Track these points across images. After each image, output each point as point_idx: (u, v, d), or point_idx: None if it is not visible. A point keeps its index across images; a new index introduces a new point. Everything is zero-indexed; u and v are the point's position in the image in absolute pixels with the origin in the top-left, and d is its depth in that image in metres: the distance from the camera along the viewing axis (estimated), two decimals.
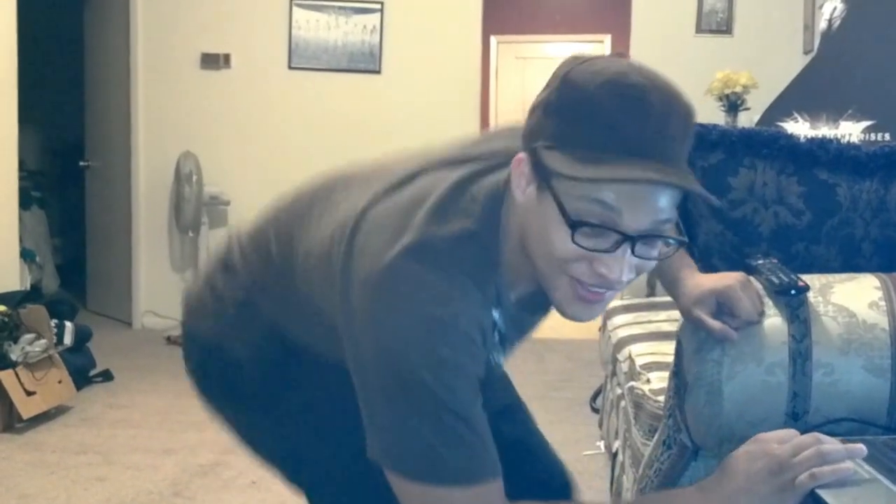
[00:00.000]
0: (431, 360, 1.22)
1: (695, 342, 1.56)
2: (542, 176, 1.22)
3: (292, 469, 1.64)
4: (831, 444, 1.21)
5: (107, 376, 5.02)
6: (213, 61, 6.55)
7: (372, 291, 1.26)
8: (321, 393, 1.53)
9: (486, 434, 1.26)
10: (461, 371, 1.24)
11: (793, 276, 1.54)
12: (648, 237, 1.21)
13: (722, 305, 1.52)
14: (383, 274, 1.26)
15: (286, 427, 1.59)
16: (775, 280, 1.54)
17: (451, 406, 1.22)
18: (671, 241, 1.25)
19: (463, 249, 1.28)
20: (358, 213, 1.36)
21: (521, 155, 1.26)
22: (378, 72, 6.52)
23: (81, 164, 7.12)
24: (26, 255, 5.86)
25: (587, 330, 6.55)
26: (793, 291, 1.53)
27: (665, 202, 1.20)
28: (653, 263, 1.27)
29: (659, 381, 2.25)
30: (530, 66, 10.28)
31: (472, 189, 1.34)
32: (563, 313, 1.31)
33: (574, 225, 1.18)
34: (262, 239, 1.57)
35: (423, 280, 1.25)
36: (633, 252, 1.20)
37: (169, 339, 6.01)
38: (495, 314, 1.33)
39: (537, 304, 1.40)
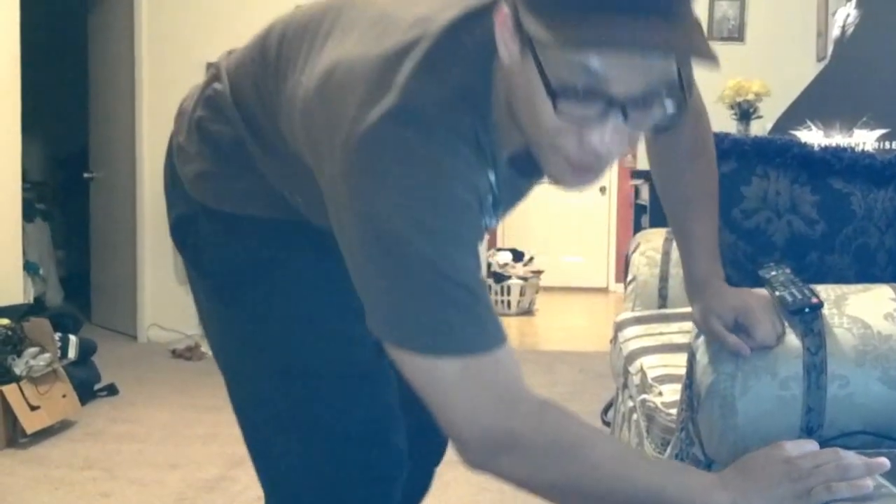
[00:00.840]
0: (425, 230, 1.15)
1: (708, 354, 1.55)
2: (523, 39, 1.10)
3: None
4: (852, 459, 1.18)
5: (111, 390, 5.02)
6: None
7: (356, 158, 1.17)
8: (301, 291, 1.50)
9: (489, 302, 1.20)
10: (459, 240, 1.17)
11: (806, 292, 1.53)
12: (642, 102, 1.09)
13: (740, 324, 1.48)
14: (366, 139, 1.16)
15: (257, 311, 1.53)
16: (789, 298, 1.53)
17: (451, 275, 1.16)
18: (670, 105, 1.12)
19: (455, 109, 1.19)
20: (342, 59, 1.26)
21: (505, 9, 1.13)
22: None
23: (86, 175, 7.14)
24: (30, 267, 5.88)
25: (598, 342, 6.54)
26: (807, 310, 1.52)
27: (660, 60, 1.07)
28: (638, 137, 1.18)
29: (671, 393, 2.25)
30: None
31: (463, 37, 1.22)
32: (558, 185, 1.25)
33: (555, 94, 1.07)
34: (247, 79, 1.49)
35: (412, 146, 1.16)
36: (625, 120, 1.09)
37: (174, 353, 6.01)
38: (491, 176, 1.26)
39: (530, 167, 1.29)
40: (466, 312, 1.17)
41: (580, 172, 1.19)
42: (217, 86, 1.55)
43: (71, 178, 7.96)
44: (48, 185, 8.58)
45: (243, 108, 1.49)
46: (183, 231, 1.59)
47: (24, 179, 5.17)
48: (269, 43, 1.47)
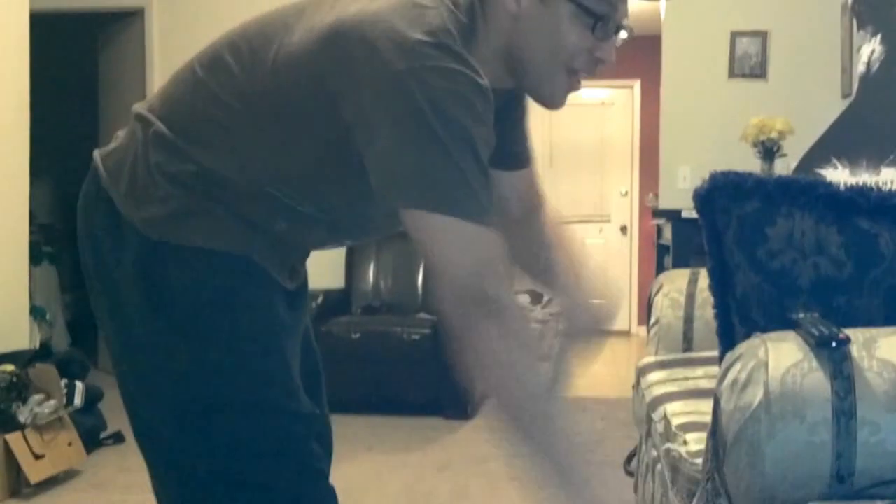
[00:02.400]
0: (469, 112, 1.47)
1: (734, 400, 1.55)
2: None
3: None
4: None
5: (118, 438, 5.02)
6: None
7: (419, 57, 1.45)
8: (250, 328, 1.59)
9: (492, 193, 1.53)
10: (484, 136, 1.50)
11: (834, 329, 1.53)
12: (625, 25, 1.60)
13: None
14: (424, 43, 1.47)
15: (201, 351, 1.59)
16: (815, 332, 1.53)
17: (479, 155, 1.48)
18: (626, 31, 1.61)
19: (452, 27, 1.51)
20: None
21: None
22: None
23: None
24: (36, 312, 5.90)
25: (620, 387, 6.51)
26: (834, 343, 1.52)
27: None
28: None
29: (697, 442, 2.23)
30: (558, 112, 10.29)
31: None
32: (550, 103, 1.69)
33: (598, 18, 1.55)
34: (219, 73, 1.63)
35: (457, 56, 1.48)
36: (622, 37, 1.61)
37: None
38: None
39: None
40: (483, 188, 1.48)
41: (577, 85, 1.65)
42: (158, 128, 1.63)
43: None
44: (56, 227, 8.62)
45: (195, 133, 1.61)
46: (140, 269, 1.60)
47: (32, 221, 5.21)
48: (220, 54, 1.65)
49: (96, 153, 1.72)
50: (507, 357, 1.47)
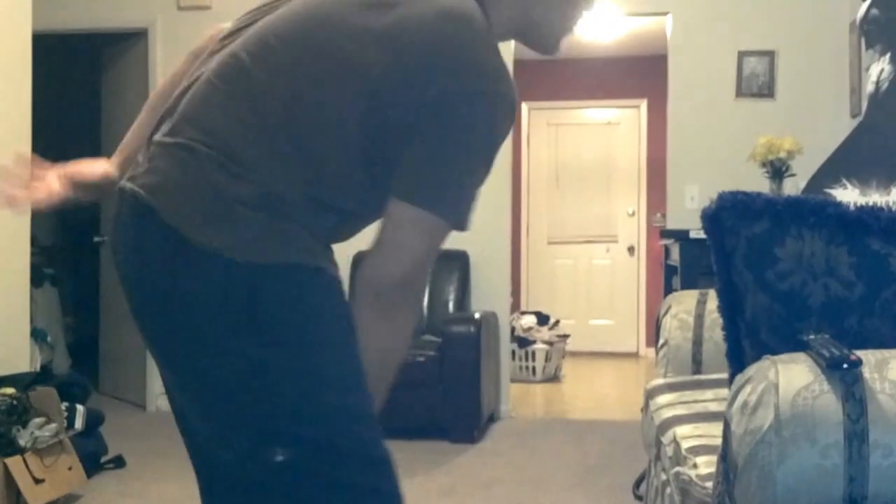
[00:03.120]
0: (498, 128, 1.66)
1: (744, 422, 1.54)
2: None
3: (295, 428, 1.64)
4: None
5: (119, 463, 5.02)
6: None
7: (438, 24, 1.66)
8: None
9: None
10: (504, 136, 1.69)
11: (845, 351, 1.53)
12: None
13: None
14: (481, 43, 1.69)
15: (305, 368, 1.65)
16: (826, 354, 1.53)
17: (489, 163, 1.68)
18: None
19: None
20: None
21: None
22: None
23: (96, 239, 7.19)
24: (37, 334, 5.90)
25: (628, 410, 6.51)
26: (845, 365, 1.51)
27: None
28: None
29: (707, 465, 2.23)
30: (563, 132, 10.36)
31: None
32: (555, 53, 1.94)
33: None
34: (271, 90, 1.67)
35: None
36: None
37: None
38: None
39: None
40: (474, 198, 1.68)
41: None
42: (212, 155, 1.64)
43: (81, 241, 8.01)
44: (57, 248, 8.64)
45: (248, 155, 1.64)
46: (231, 291, 1.62)
47: (33, 243, 5.22)
48: (246, 69, 1.70)
49: (135, 188, 1.69)
50: (408, 334, 1.74)
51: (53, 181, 2.05)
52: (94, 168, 2.08)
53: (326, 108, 1.65)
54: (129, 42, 6.98)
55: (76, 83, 8.00)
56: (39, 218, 6.34)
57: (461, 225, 1.67)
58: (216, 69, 1.72)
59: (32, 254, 5.20)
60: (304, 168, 1.65)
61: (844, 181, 4.05)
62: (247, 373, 1.63)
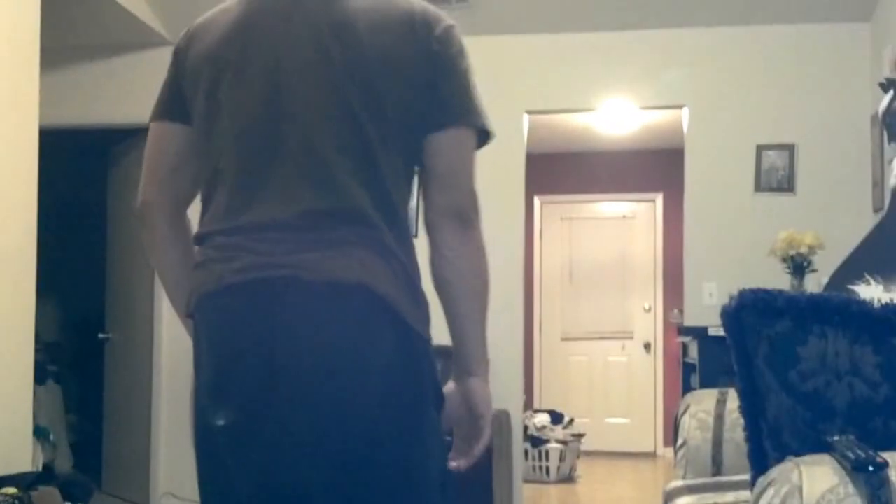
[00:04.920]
0: None
1: None
2: None
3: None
4: None
5: None
6: None
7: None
8: None
9: None
10: None
11: (871, 453, 1.53)
12: None
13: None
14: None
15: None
16: (851, 456, 1.53)
17: None
18: None
19: None
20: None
21: None
22: (415, 236, 6.60)
23: (101, 336, 7.21)
24: (40, 432, 5.89)
25: None
26: (871, 468, 1.51)
27: None
28: None
29: None
30: (576, 226, 10.41)
31: None
32: None
33: None
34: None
35: None
36: None
37: None
38: None
39: None
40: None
41: None
42: (385, 235, 1.87)
43: (85, 338, 8.03)
44: (61, 345, 8.64)
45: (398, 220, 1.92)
46: (412, 361, 1.82)
47: (37, 340, 5.23)
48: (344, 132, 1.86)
49: (364, 278, 1.79)
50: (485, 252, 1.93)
51: None
52: None
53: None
54: (137, 138, 7.05)
55: (83, 178, 8.08)
56: (44, 314, 6.36)
57: (488, 124, 1.91)
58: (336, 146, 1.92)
59: (36, 350, 5.20)
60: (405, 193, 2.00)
61: (868, 277, 4.05)
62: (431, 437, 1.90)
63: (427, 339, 1.84)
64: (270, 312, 1.72)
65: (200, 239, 1.89)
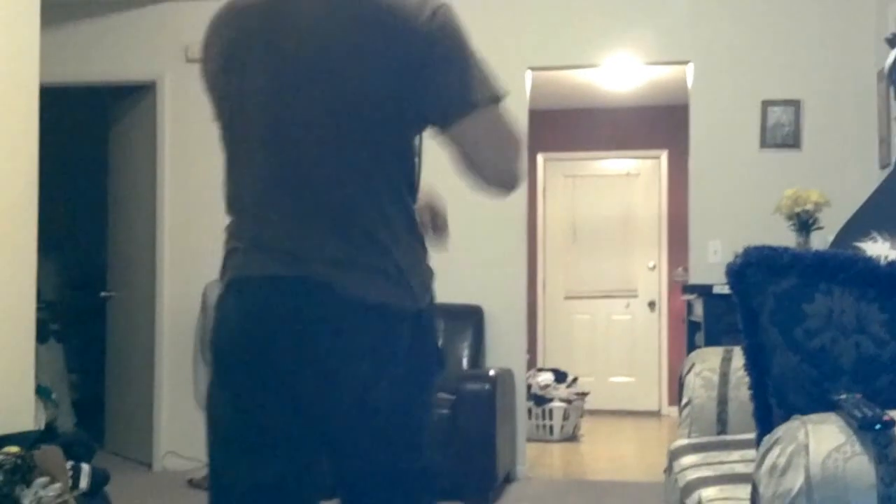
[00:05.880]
0: None
1: (773, 485, 1.54)
2: None
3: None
4: None
5: None
6: None
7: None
8: None
9: None
10: None
11: (878, 411, 1.53)
12: None
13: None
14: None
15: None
16: (858, 414, 1.52)
17: None
18: None
19: None
20: None
21: None
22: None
23: (103, 294, 7.21)
24: (41, 392, 5.90)
25: (650, 471, 6.46)
26: (878, 426, 1.51)
27: None
28: None
29: None
30: (580, 183, 10.37)
31: None
32: None
33: None
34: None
35: None
36: None
37: (191, 482, 5.99)
38: None
39: None
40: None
41: None
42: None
43: (87, 297, 8.03)
44: (63, 304, 8.65)
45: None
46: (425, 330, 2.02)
47: (39, 298, 5.23)
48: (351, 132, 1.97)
49: (387, 300, 1.95)
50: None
51: None
52: None
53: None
54: (138, 95, 7.05)
55: (83, 136, 8.06)
56: (46, 273, 6.36)
57: (499, 90, 1.95)
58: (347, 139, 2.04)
59: (38, 309, 5.21)
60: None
61: (874, 234, 4.04)
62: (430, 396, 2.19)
63: (430, 303, 2.02)
64: (304, 308, 1.90)
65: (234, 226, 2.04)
